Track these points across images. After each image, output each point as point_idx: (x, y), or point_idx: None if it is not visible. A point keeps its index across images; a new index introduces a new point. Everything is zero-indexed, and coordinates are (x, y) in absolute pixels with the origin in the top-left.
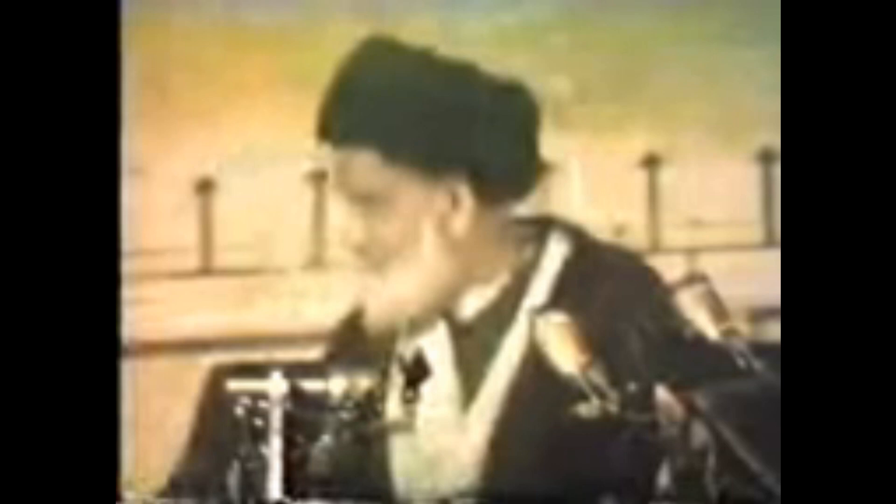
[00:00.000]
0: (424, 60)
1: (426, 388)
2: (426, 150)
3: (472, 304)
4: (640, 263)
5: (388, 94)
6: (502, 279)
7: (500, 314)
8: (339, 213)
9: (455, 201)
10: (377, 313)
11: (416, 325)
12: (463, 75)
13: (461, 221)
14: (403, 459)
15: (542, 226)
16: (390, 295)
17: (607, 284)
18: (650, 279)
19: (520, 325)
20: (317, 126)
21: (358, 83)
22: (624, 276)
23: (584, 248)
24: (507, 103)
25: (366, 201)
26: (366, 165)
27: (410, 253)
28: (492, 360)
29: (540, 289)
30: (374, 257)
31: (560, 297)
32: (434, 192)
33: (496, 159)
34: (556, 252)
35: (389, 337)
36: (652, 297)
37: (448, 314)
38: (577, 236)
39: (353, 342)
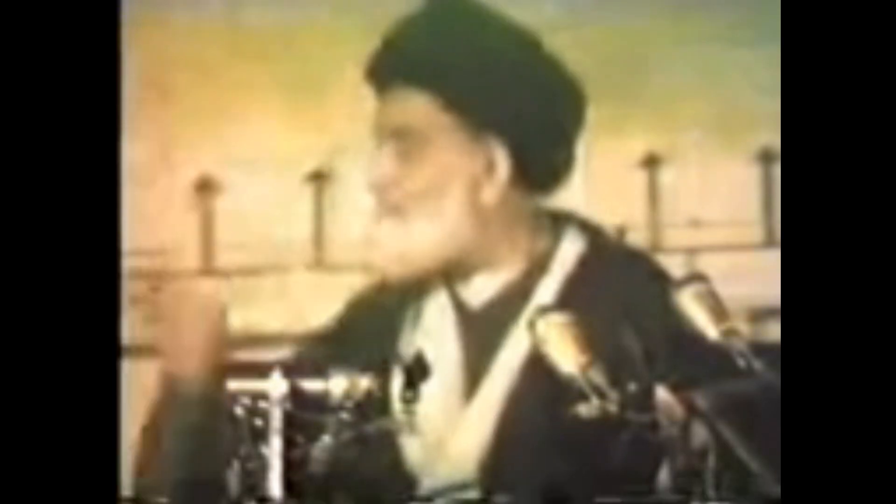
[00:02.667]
0: (497, 25)
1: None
2: (476, 107)
3: (481, 291)
4: (653, 266)
5: (451, 45)
6: (514, 269)
7: (509, 306)
8: (371, 151)
9: (490, 167)
10: (388, 259)
11: (421, 305)
12: (530, 52)
13: (491, 190)
14: (404, 452)
15: (561, 220)
16: (404, 242)
17: (618, 285)
18: (662, 282)
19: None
20: (367, 66)
21: (421, 30)
22: (636, 279)
23: (599, 247)
24: (564, 93)
25: (401, 138)
26: (412, 105)
27: (433, 205)
28: (497, 352)
29: (551, 284)
30: (394, 200)
31: (570, 295)
32: (473, 151)
33: (540, 144)
34: (570, 249)
35: (394, 326)
36: (663, 300)
37: (457, 301)
38: (594, 234)
39: (358, 328)
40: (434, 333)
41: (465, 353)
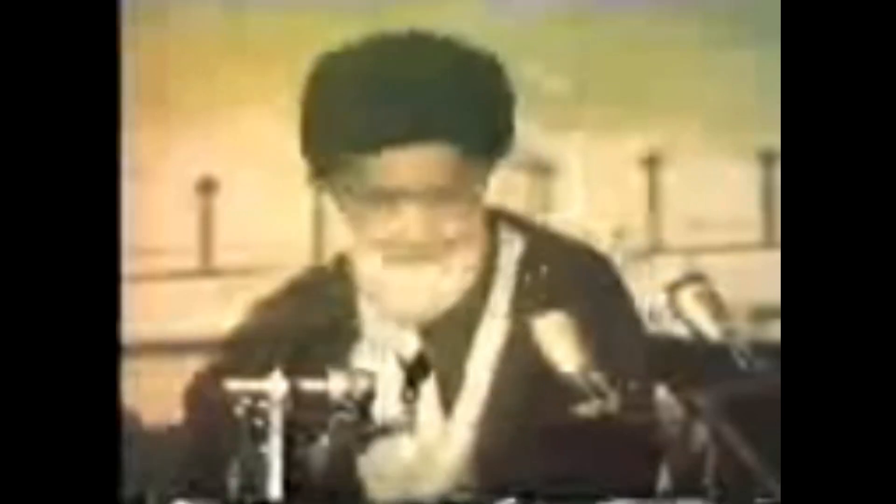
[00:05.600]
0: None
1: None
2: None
3: (435, 302)
4: (596, 253)
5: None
6: (465, 276)
7: (466, 313)
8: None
9: (484, 185)
10: (417, 308)
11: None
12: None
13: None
14: (386, 465)
15: (491, 218)
16: (436, 290)
17: (568, 279)
18: (611, 268)
19: (488, 322)
20: (309, 139)
21: (394, 80)
22: (579, 268)
23: (538, 242)
24: (480, 75)
25: (428, 198)
26: (421, 161)
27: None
28: (467, 360)
29: (502, 286)
30: (426, 253)
31: (523, 296)
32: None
33: (482, 138)
34: (509, 250)
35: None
36: (608, 284)
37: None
38: (528, 228)
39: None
40: (397, 349)
41: (434, 365)
